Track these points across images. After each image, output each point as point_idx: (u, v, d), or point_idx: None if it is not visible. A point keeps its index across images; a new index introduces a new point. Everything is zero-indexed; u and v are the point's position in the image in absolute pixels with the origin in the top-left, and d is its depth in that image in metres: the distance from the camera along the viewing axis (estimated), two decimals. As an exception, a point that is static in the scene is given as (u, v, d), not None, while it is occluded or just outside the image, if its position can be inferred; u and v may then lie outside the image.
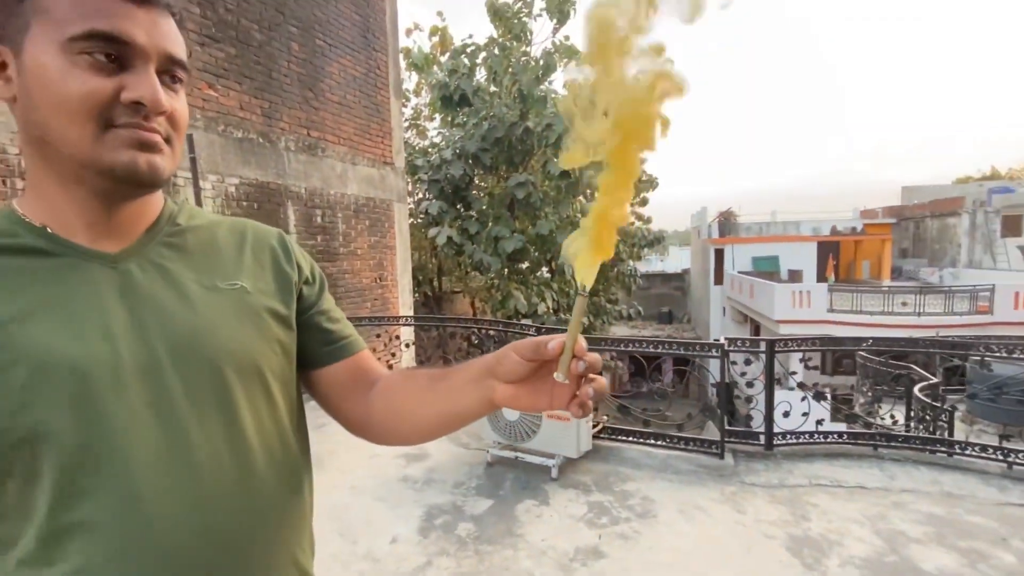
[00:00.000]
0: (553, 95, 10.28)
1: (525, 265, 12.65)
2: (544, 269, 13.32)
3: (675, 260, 30.82)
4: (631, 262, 14.22)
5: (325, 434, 4.18)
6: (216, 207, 4.64)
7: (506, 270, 12.04)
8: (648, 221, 15.67)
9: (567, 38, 11.14)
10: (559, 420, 3.21)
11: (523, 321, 10.46)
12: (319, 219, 5.79)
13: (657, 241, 14.56)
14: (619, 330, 21.14)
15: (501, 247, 10.91)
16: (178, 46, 0.56)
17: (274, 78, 5.24)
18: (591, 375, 0.56)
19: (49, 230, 0.55)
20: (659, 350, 3.65)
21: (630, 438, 3.53)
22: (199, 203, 4.37)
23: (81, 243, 0.56)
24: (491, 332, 4.83)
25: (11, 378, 0.48)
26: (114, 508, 0.50)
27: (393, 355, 5.44)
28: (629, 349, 3.62)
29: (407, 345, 5.52)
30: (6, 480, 0.50)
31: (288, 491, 0.63)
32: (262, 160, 5.11)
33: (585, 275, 0.53)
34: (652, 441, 3.47)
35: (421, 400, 0.67)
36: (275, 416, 0.62)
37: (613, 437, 3.57)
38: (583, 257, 0.53)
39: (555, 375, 0.55)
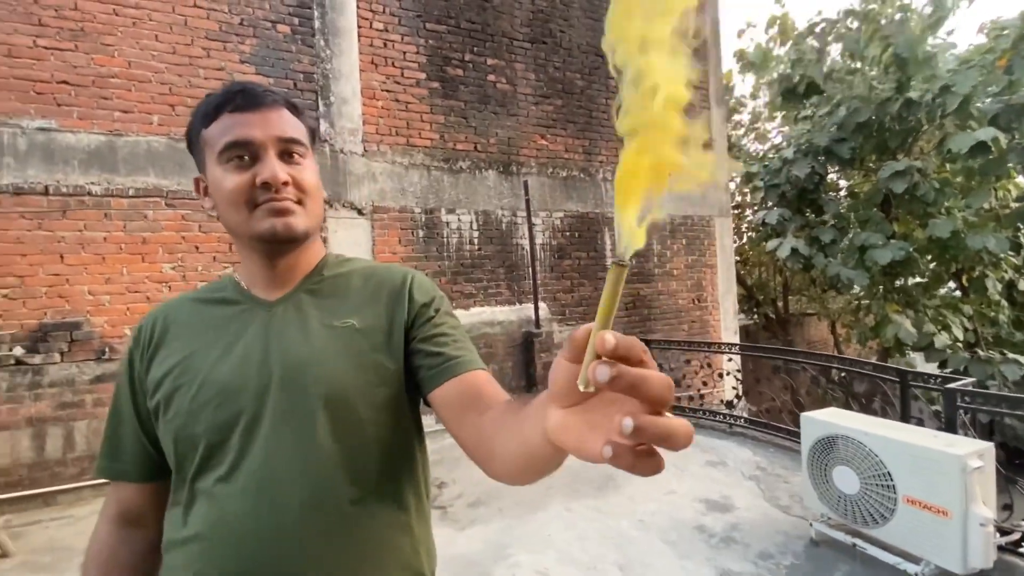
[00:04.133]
0: (950, 50, 7.55)
1: (913, 281, 9.56)
2: (948, 286, 9.80)
3: None
4: None
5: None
6: (544, 238, 5.38)
7: (880, 287, 9.41)
8: None
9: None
10: (926, 509, 2.22)
11: (912, 355, 7.93)
12: (635, 242, 5.92)
13: None
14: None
15: (870, 258, 8.58)
16: (289, 128, 0.72)
17: (593, 117, 5.72)
18: (641, 391, 0.33)
19: (243, 285, 0.78)
20: None
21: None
22: (531, 236, 5.16)
23: (256, 294, 0.76)
24: (852, 370, 3.79)
25: (187, 393, 0.69)
26: (219, 485, 0.67)
27: (704, 383, 5.00)
28: None
29: (724, 375, 4.97)
30: (182, 461, 0.69)
31: (373, 507, 0.69)
32: (582, 193, 5.63)
33: (628, 228, 0.33)
34: None
35: (504, 431, 0.58)
36: (362, 440, 0.70)
37: (1050, 560, 2.22)
38: (624, 196, 0.33)
39: (576, 382, 0.36)
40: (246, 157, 0.69)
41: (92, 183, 3.68)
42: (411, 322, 0.75)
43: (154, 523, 0.75)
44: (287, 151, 0.71)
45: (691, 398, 4.97)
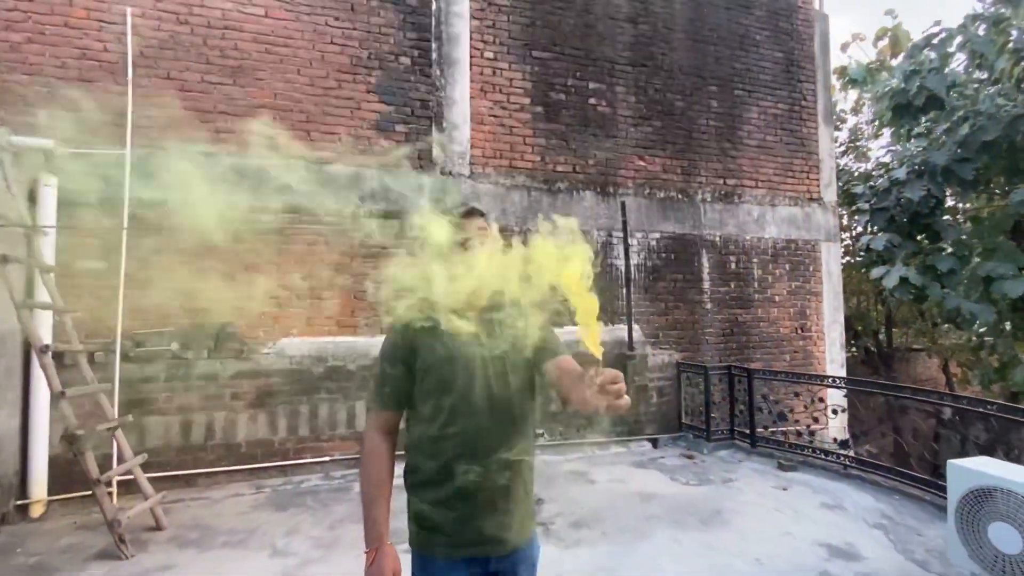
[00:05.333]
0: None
1: (1050, 318, 8.46)
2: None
3: None
4: None
5: (733, 489, 4.00)
6: (640, 259, 5.34)
7: (1007, 324, 8.42)
8: None
9: None
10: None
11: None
12: (732, 265, 5.73)
13: None
14: None
15: (997, 290, 7.72)
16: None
17: (693, 138, 5.65)
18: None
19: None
20: None
21: None
22: (627, 256, 5.15)
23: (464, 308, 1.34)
24: (979, 412, 3.43)
25: (442, 360, 1.29)
26: (454, 400, 1.27)
27: (816, 419, 4.70)
28: None
29: (835, 411, 4.64)
30: (431, 392, 1.29)
31: (522, 423, 1.33)
32: (680, 214, 5.54)
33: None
34: None
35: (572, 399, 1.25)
36: (522, 389, 1.35)
37: None
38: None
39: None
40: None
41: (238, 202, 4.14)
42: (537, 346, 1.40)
43: (396, 434, 1.35)
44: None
45: (799, 434, 4.69)
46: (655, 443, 4.99)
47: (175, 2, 4.10)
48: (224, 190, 4.12)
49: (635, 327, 5.14)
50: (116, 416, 3.42)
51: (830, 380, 4.86)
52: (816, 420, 4.77)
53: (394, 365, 1.31)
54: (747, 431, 4.82)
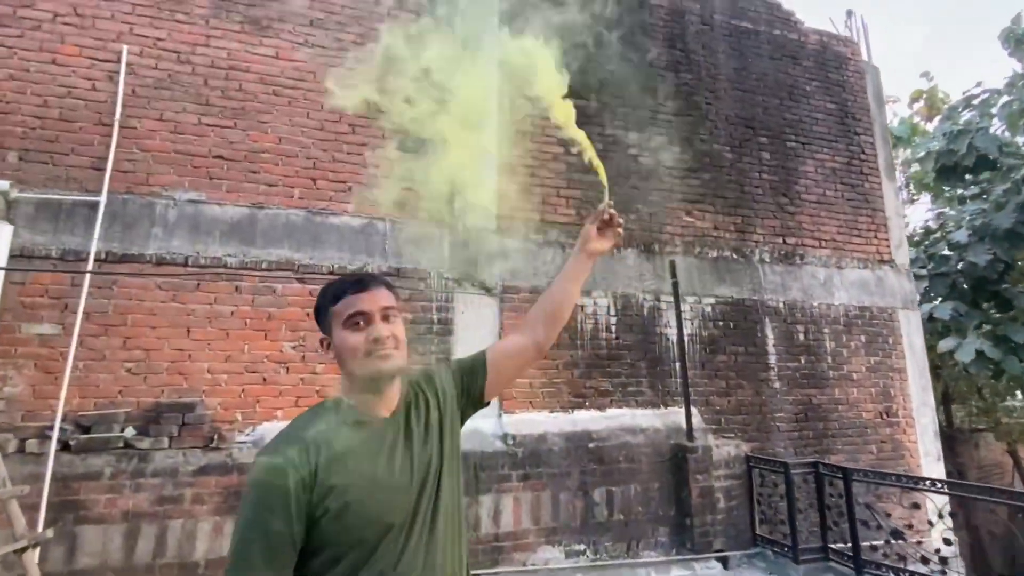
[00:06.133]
0: None
1: None
2: None
3: None
4: None
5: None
6: (693, 327, 4.54)
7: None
8: None
9: None
10: None
11: None
12: (800, 336, 4.89)
13: None
14: None
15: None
16: (386, 299, 1.09)
17: (746, 192, 5.03)
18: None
19: (361, 409, 1.08)
20: None
21: None
22: (679, 324, 4.36)
23: (377, 415, 1.09)
24: None
25: (346, 493, 0.97)
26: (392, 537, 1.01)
27: (910, 526, 3.66)
28: None
29: (940, 515, 3.56)
30: (350, 539, 0.97)
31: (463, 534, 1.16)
32: (736, 276, 4.80)
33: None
34: None
35: (533, 310, 1.35)
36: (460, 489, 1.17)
37: None
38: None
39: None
40: (361, 323, 1.06)
41: (229, 255, 3.53)
42: (458, 400, 1.23)
43: None
44: (386, 315, 1.08)
45: (887, 542, 3.63)
46: (725, 563, 3.92)
47: (177, 40, 3.73)
48: (210, 241, 3.52)
49: (693, 410, 4.24)
50: (32, 530, 2.59)
51: (939, 485, 3.81)
52: (910, 527, 3.72)
53: (285, 515, 0.92)
54: (846, 547, 3.76)
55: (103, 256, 3.32)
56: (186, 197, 3.56)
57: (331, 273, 3.71)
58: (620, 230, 1.35)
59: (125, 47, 3.62)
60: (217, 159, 3.68)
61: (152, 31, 3.69)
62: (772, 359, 4.78)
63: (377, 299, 1.06)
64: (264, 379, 3.45)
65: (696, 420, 4.26)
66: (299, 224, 3.73)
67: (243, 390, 3.41)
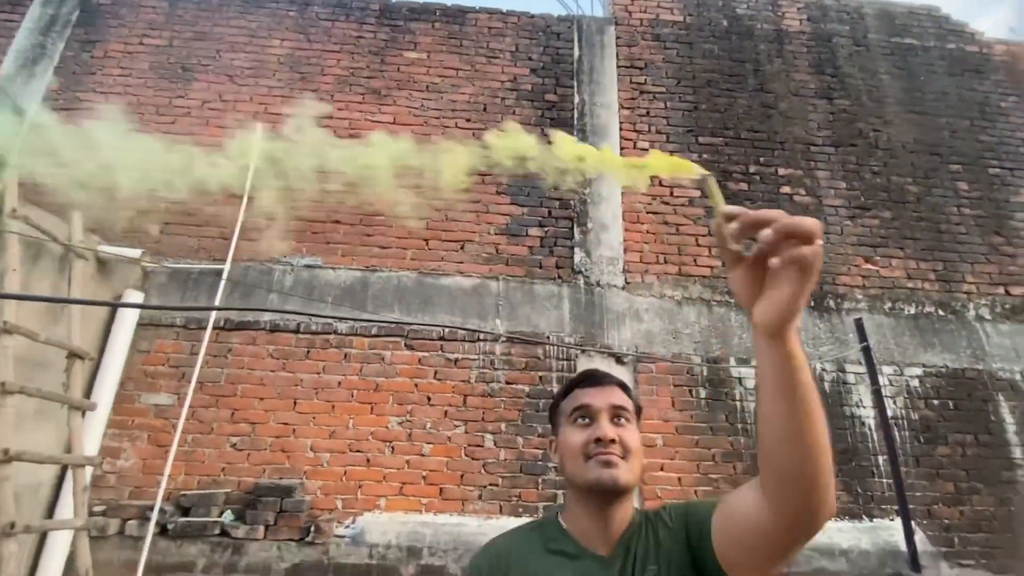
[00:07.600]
0: None
1: None
2: None
3: None
4: None
5: None
6: (897, 408, 3.42)
7: None
8: None
9: None
10: None
11: None
12: (1061, 422, 3.50)
13: None
14: None
15: None
16: (619, 399, 0.93)
17: (943, 231, 3.96)
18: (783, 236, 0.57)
19: (573, 536, 0.89)
20: None
21: None
22: (879, 404, 3.29)
23: (588, 547, 0.86)
24: None
25: None
26: None
27: None
28: None
29: None
30: None
31: None
32: (947, 339, 3.65)
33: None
34: None
35: (757, 428, 0.68)
36: None
37: None
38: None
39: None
40: (587, 419, 0.91)
41: (340, 319, 3.31)
42: (692, 545, 0.81)
43: None
44: (617, 415, 0.91)
45: None
46: None
47: (304, 115, 3.86)
48: (323, 306, 3.34)
49: (913, 525, 3.05)
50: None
51: None
52: None
53: None
54: None
55: (222, 324, 3.25)
56: (303, 263, 3.47)
57: (441, 339, 3.33)
58: (799, 253, 0.56)
59: (259, 125, 3.79)
60: (335, 224, 3.60)
61: (283, 108, 3.86)
62: (1017, 451, 3.43)
63: (608, 396, 0.93)
64: (368, 460, 3.03)
65: (919, 539, 3.06)
66: (410, 287, 3.46)
67: (345, 472, 3.01)
